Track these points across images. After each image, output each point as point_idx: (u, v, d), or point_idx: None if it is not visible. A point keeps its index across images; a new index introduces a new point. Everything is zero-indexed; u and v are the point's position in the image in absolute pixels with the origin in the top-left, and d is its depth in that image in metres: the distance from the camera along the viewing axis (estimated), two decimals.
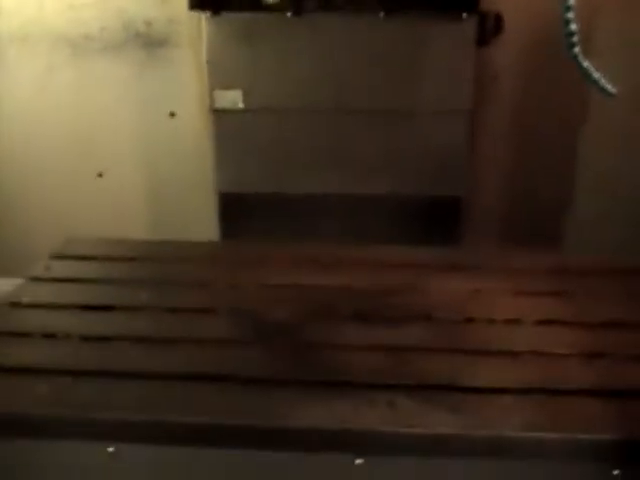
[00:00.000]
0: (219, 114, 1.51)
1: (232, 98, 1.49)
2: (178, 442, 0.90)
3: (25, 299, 1.16)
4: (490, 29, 1.52)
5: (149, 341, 1.07)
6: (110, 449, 0.90)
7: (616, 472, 0.88)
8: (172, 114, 1.68)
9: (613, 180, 1.66)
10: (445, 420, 0.90)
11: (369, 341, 1.05)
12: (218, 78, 1.48)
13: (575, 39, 1.02)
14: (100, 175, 1.76)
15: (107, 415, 0.91)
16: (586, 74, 1.04)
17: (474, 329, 1.10)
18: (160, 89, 1.68)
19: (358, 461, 0.89)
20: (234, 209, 1.57)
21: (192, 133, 1.68)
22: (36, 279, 1.24)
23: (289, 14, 1.40)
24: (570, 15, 1.00)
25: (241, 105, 1.49)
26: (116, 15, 1.62)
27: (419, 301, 1.16)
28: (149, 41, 1.64)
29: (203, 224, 1.65)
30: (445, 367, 1.00)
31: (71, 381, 0.97)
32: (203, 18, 1.45)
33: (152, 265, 1.31)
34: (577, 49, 1.02)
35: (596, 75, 1.04)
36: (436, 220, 1.55)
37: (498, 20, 1.52)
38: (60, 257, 1.32)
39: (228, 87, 1.48)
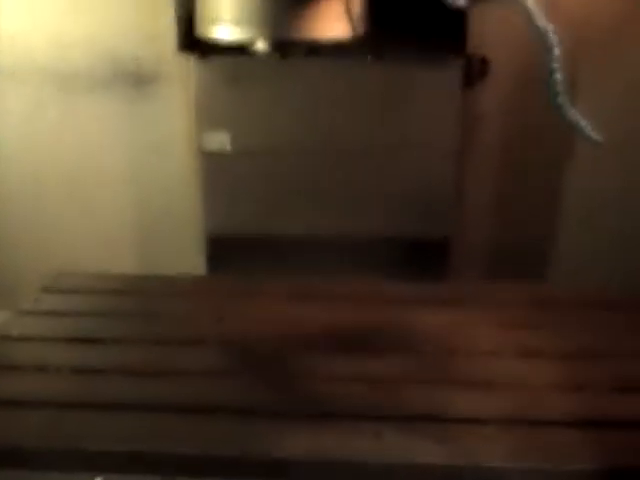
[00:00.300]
0: (207, 156, 1.51)
1: (220, 140, 1.49)
2: (163, 472, 0.93)
3: (15, 332, 1.18)
4: (476, 72, 1.53)
5: (137, 373, 1.09)
6: (98, 479, 0.92)
7: None
8: (160, 149, 1.69)
9: (600, 216, 1.67)
10: (431, 450, 0.92)
11: (353, 373, 1.08)
12: (206, 120, 1.49)
13: (559, 88, 1.03)
14: (88, 210, 1.75)
15: (95, 446, 0.94)
16: (572, 123, 1.05)
17: (456, 361, 1.12)
18: (148, 125, 1.68)
19: None
20: (222, 251, 1.57)
21: (180, 169, 1.68)
22: (26, 312, 1.26)
23: (276, 57, 1.40)
24: (555, 65, 1.01)
25: (229, 147, 1.49)
26: (105, 53, 1.63)
27: (402, 334, 1.19)
28: (138, 79, 1.64)
29: (191, 261, 1.65)
30: (429, 398, 1.02)
31: (61, 413, 0.99)
32: (192, 60, 1.45)
33: (140, 298, 1.34)
34: (562, 98, 1.03)
35: (582, 123, 1.05)
36: (423, 260, 1.55)
37: (483, 63, 1.53)
38: (50, 291, 1.34)
39: (216, 129, 1.49)
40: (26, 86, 1.66)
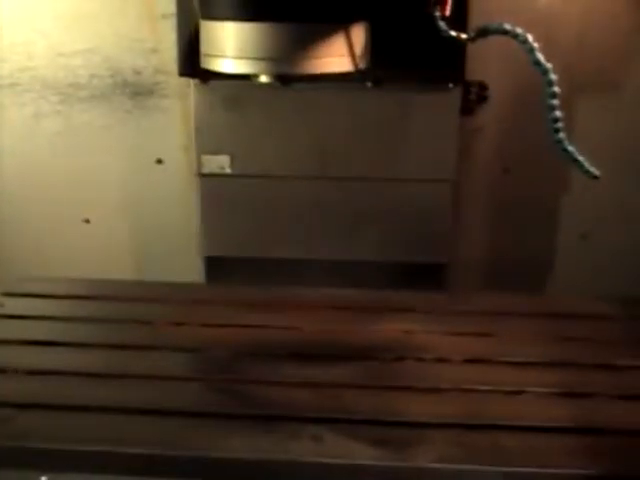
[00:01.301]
0: (206, 179, 1.52)
1: (219, 163, 1.50)
2: (111, 472, 0.96)
3: None
4: (474, 98, 1.54)
5: (93, 376, 1.12)
6: (43, 478, 0.96)
7: None
8: (159, 161, 1.69)
9: (597, 238, 1.68)
10: (369, 452, 0.96)
11: (300, 379, 1.11)
12: (206, 143, 1.50)
13: (560, 125, 1.05)
14: (87, 221, 1.76)
15: (44, 445, 0.97)
16: (570, 158, 1.07)
17: (404, 368, 1.16)
18: (147, 137, 1.69)
19: None
20: (219, 273, 1.58)
21: (178, 180, 1.69)
22: None
23: (277, 83, 1.41)
24: (555, 102, 1.03)
25: (228, 170, 1.50)
26: (105, 64, 1.63)
27: (353, 342, 1.23)
28: (137, 90, 1.65)
29: (188, 270, 1.66)
30: (373, 403, 1.06)
31: (14, 413, 1.02)
32: (192, 85, 1.46)
33: (102, 303, 1.37)
34: (562, 134, 1.05)
35: (580, 159, 1.07)
36: (421, 284, 1.56)
37: (482, 89, 1.54)
38: (12, 295, 1.37)
39: (216, 152, 1.50)
40: (25, 96, 1.67)
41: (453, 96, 1.46)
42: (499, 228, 1.70)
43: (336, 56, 1.08)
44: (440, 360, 1.18)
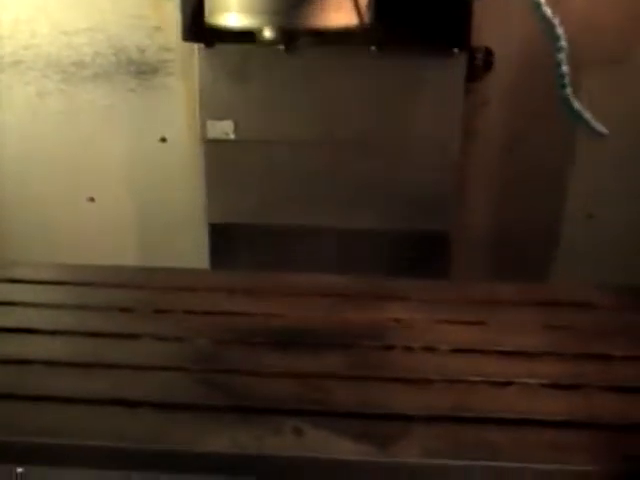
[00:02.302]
0: (210, 144, 1.52)
1: (224, 129, 1.50)
2: (85, 465, 0.94)
3: None
4: (480, 65, 1.53)
5: (66, 365, 1.09)
6: (19, 470, 0.94)
7: None
8: (163, 140, 1.69)
9: (604, 211, 1.67)
10: (350, 447, 0.93)
11: (284, 368, 1.08)
12: (210, 109, 1.49)
13: (566, 80, 1.04)
14: (92, 200, 1.76)
15: (14, 437, 0.95)
16: (576, 115, 1.07)
17: (391, 357, 1.13)
18: (151, 116, 1.69)
19: None
20: (224, 240, 1.57)
21: (182, 158, 1.69)
22: None
23: (282, 48, 1.41)
24: (561, 56, 1.03)
25: (232, 136, 1.50)
26: (108, 42, 1.63)
27: (338, 330, 1.19)
28: (141, 69, 1.64)
29: (194, 250, 1.65)
30: (356, 395, 1.03)
31: None
32: (196, 49, 1.45)
33: (79, 289, 1.34)
34: (568, 90, 1.04)
35: (587, 116, 1.07)
36: (424, 252, 1.56)
37: (488, 56, 1.53)
38: None
39: (220, 118, 1.49)
40: (29, 74, 1.66)
41: (458, 61, 1.45)
42: (503, 202, 1.70)
43: (340, 11, 1.07)
44: (428, 349, 1.15)
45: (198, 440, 0.94)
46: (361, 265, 1.57)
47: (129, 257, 1.80)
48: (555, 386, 1.06)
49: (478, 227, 1.69)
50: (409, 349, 1.15)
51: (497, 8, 1.48)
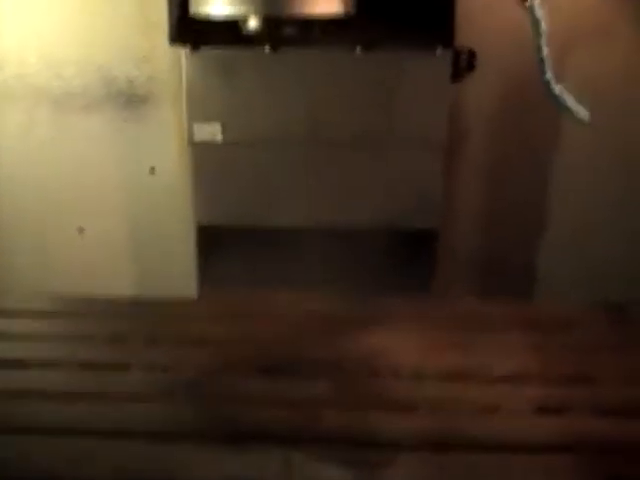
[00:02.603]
0: (198, 147, 1.52)
1: (211, 131, 1.50)
2: None
3: None
4: (463, 65, 1.55)
5: (59, 397, 1.09)
6: None
7: None
8: (152, 170, 1.70)
9: (589, 209, 1.68)
10: (338, 475, 0.94)
11: (271, 396, 1.09)
12: (197, 112, 1.50)
13: (547, 65, 1.05)
14: (81, 230, 1.76)
15: (6, 471, 0.94)
16: (558, 101, 1.08)
17: (378, 383, 1.13)
18: (140, 145, 1.70)
19: None
20: (212, 241, 1.58)
21: (172, 188, 1.70)
22: None
23: (267, 49, 1.43)
24: (542, 41, 1.04)
25: (220, 138, 1.50)
26: (98, 72, 1.64)
27: (326, 355, 1.20)
28: (130, 98, 1.65)
29: (185, 277, 1.65)
30: (345, 422, 1.04)
31: None
32: (183, 53, 1.46)
33: (71, 320, 1.34)
34: (549, 75, 1.05)
35: (569, 101, 1.08)
36: (411, 251, 1.57)
37: (471, 56, 1.55)
38: None
39: (207, 120, 1.50)
40: (19, 105, 1.67)
41: (443, 61, 1.46)
42: (491, 195, 1.70)
43: None
44: (415, 375, 1.15)
45: (187, 469, 0.95)
46: (350, 264, 1.57)
47: (120, 286, 1.80)
48: (543, 410, 1.07)
49: (465, 224, 1.69)
50: (396, 375, 1.15)
51: (480, 8, 1.50)
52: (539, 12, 1.04)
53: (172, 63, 1.58)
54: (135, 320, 1.34)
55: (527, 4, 1.04)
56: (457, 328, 1.28)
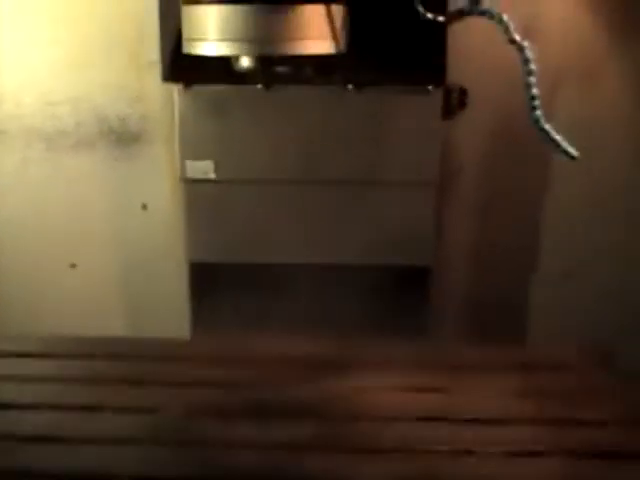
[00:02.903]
0: (190, 184, 1.53)
1: (203, 168, 1.51)
2: None
3: None
4: (455, 103, 1.56)
5: (34, 440, 1.07)
6: None
7: None
8: (144, 207, 1.70)
9: (579, 247, 1.69)
10: None
11: (249, 440, 1.08)
12: (189, 149, 1.51)
13: (537, 102, 1.06)
14: (73, 266, 1.76)
15: None
16: (547, 137, 1.08)
17: (358, 427, 1.12)
18: (132, 183, 1.71)
19: None
20: (204, 278, 1.58)
21: (164, 225, 1.71)
22: None
23: (260, 87, 1.44)
24: (532, 79, 1.05)
25: (212, 175, 1.51)
26: (91, 111, 1.66)
27: (307, 399, 1.19)
28: (122, 137, 1.67)
29: (176, 317, 1.65)
30: (323, 466, 1.03)
31: None
32: (175, 90, 1.47)
33: (51, 361, 1.33)
34: (539, 112, 1.06)
35: (558, 138, 1.08)
36: (405, 288, 1.57)
37: (462, 94, 1.56)
38: None
39: (199, 158, 1.51)
40: (13, 143, 1.69)
41: (434, 99, 1.48)
42: (484, 233, 1.71)
43: (316, 38, 1.09)
44: (395, 418, 1.14)
45: None
46: (343, 301, 1.58)
47: (112, 323, 1.80)
48: (518, 454, 1.05)
49: (457, 262, 1.69)
50: (375, 418, 1.14)
51: (471, 47, 1.52)
52: (529, 51, 1.05)
53: (164, 102, 1.59)
54: (118, 361, 1.32)
55: (517, 44, 1.05)
56: (438, 371, 1.27)
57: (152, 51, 1.47)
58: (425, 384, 1.23)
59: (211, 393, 1.21)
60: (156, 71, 1.45)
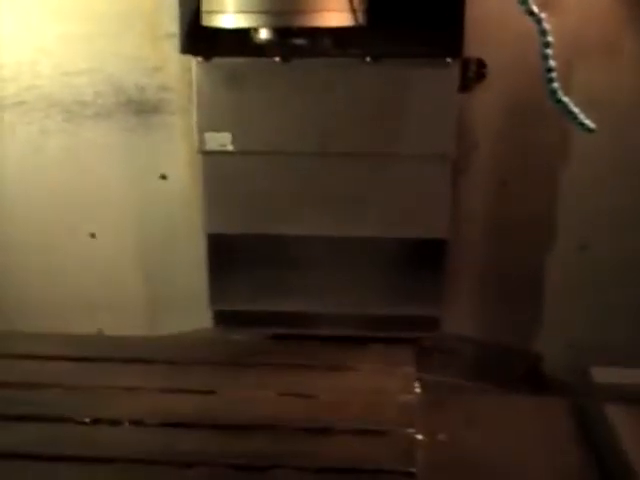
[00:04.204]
0: (208, 156, 1.54)
1: (221, 140, 1.52)
2: None
3: None
4: (472, 75, 1.56)
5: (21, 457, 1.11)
6: None
7: None
8: (163, 177, 1.71)
9: (598, 222, 1.69)
10: None
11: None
12: (207, 121, 1.51)
13: (553, 74, 1.06)
14: (93, 236, 1.78)
15: None
16: (565, 109, 1.09)
17: None
18: (152, 153, 1.71)
19: None
20: (222, 249, 1.59)
21: (182, 195, 1.72)
22: None
23: (277, 59, 1.44)
24: (549, 51, 1.05)
25: (230, 147, 1.52)
26: (109, 82, 1.66)
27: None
28: (141, 107, 1.68)
29: (194, 286, 1.67)
30: None
31: None
32: (194, 63, 1.48)
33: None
34: (556, 84, 1.06)
35: (575, 110, 1.08)
36: (421, 260, 1.59)
37: (480, 66, 1.56)
38: None
39: (217, 130, 1.51)
40: (31, 114, 1.70)
41: (451, 71, 1.48)
42: (499, 206, 1.71)
43: (334, 10, 1.10)
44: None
45: None
46: (359, 273, 1.59)
47: (131, 292, 1.82)
48: None
49: (472, 235, 1.70)
50: None
51: (490, 19, 1.51)
52: (546, 23, 1.05)
53: (183, 72, 1.59)
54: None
55: (535, 16, 1.05)
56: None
57: (171, 23, 1.48)
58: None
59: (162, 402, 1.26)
60: (174, 41, 1.46)
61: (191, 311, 1.69)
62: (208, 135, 1.52)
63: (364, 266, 1.61)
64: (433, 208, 1.55)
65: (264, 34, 1.14)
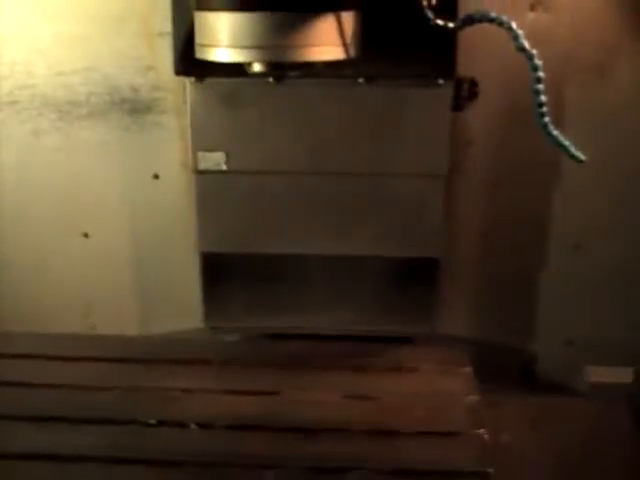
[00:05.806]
0: (202, 175, 1.54)
1: (215, 160, 1.52)
2: None
3: None
4: (465, 95, 1.57)
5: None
6: None
7: None
8: (156, 176, 1.71)
9: (587, 244, 1.70)
10: None
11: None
12: (201, 140, 1.52)
13: (544, 109, 1.07)
14: (86, 235, 1.78)
15: None
16: (556, 142, 1.10)
17: None
18: (145, 153, 1.71)
19: None
20: (216, 268, 1.60)
21: (175, 194, 1.72)
22: None
23: (271, 80, 1.44)
24: (540, 86, 1.06)
25: (224, 167, 1.52)
26: (103, 81, 1.66)
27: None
28: (135, 107, 1.67)
29: (187, 285, 1.68)
30: None
31: None
32: (188, 83, 1.49)
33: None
34: (547, 119, 1.07)
35: (566, 143, 1.10)
36: (413, 279, 1.60)
37: (472, 86, 1.57)
38: None
39: (211, 149, 1.52)
40: (25, 113, 1.69)
41: (444, 91, 1.48)
42: (492, 226, 1.72)
43: (328, 44, 1.10)
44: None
45: None
46: (353, 291, 1.60)
47: (124, 292, 1.82)
48: None
49: (465, 254, 1.71)
50: None
51: (482, 39, 1.51)
52: (537, 59, 1.06)
53: None
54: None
55: (526, 52, 1.06)
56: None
57: (164, 22, 1.48)
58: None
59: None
60: (168, 40, 1.46)
61: (185, 311, 1.70)
62: (202, 155, 1.52)
63: (357, 284, 1.61)
64: (426, 227, 1.56)
65: (257, 67, 1.14)
